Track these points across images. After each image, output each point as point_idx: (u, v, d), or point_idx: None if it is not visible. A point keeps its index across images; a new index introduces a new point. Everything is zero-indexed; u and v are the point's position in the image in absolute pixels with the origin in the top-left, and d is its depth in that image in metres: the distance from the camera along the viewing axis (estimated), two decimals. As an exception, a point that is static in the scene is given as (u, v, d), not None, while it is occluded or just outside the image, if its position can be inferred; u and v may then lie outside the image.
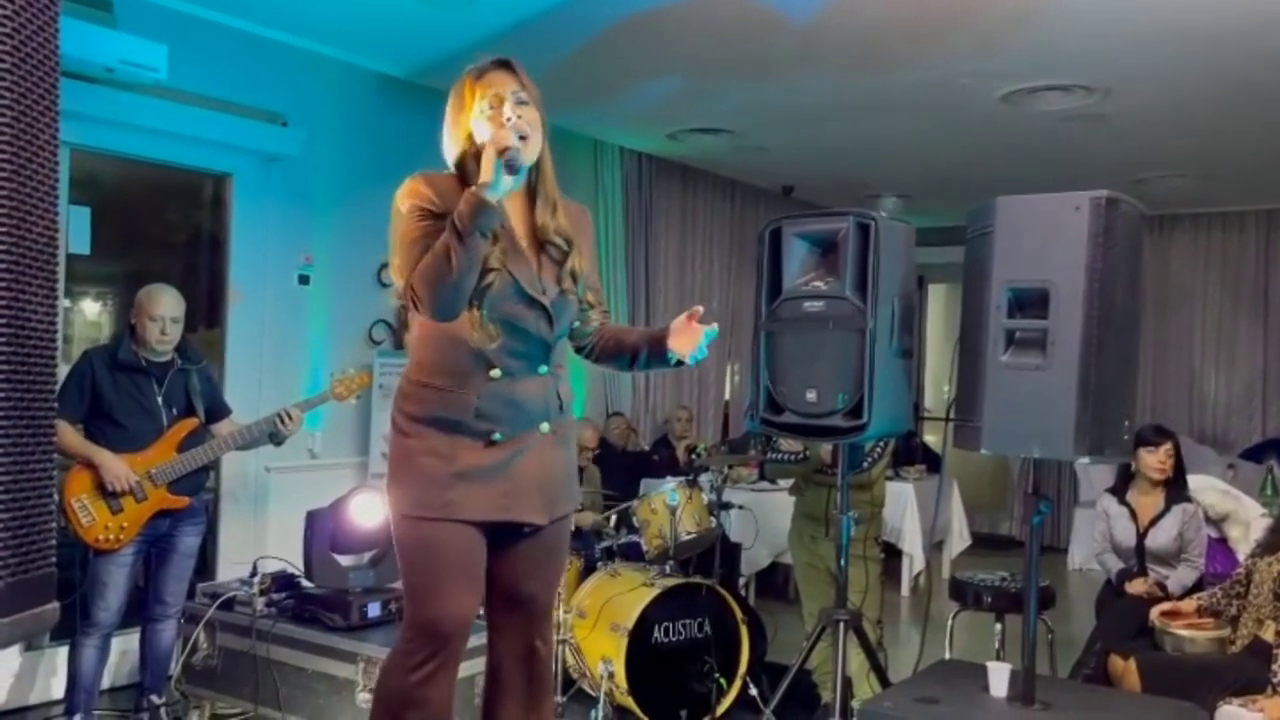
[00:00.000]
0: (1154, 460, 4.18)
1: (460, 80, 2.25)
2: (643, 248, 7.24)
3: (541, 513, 2.28)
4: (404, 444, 2.21)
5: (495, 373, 2.19)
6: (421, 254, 2.07)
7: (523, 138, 2.13)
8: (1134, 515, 4.24)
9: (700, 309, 2.32)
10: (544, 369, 2.27)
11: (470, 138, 2.20)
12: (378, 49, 5.15)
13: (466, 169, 2.19)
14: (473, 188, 2.07)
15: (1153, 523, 4.20)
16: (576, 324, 2.40)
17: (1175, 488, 4.24)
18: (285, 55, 5.01)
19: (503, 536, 2.26)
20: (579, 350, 2.50)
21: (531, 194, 2.28)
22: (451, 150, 2.25)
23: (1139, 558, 4.20)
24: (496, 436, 2.20)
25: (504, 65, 2.23)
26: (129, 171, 4.84)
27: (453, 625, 2.21)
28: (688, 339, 2.30)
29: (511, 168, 2.05)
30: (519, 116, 2.16)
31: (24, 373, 0.91)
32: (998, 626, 4.00)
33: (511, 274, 2.19)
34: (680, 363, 2.34)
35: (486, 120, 2.17)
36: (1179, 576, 4.13)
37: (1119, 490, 4.31)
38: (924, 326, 9.81)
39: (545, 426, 2.28)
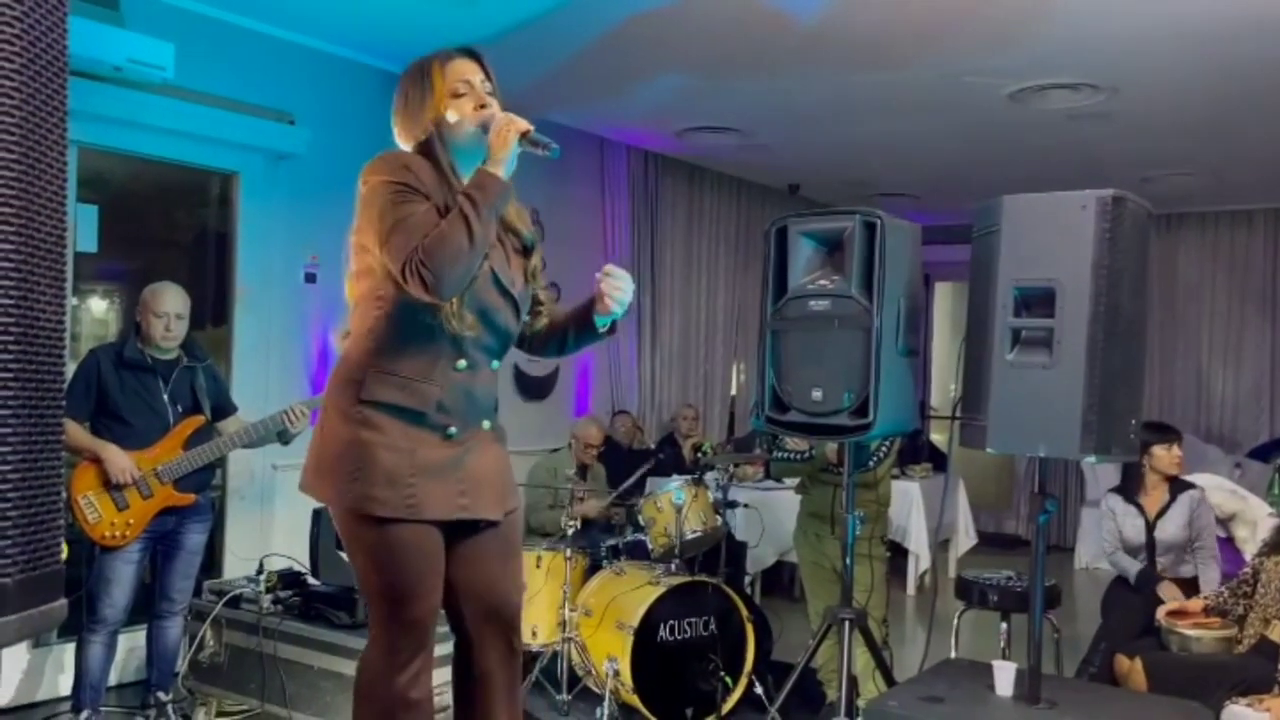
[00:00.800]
0: (1170, 456, 4.19)
1: (424, 65, 2.22)
2: (649, 246, 7.24)
3: (496, 507, 2.27)
4: (355, 434, 2.11)
5: (460, 364, 2.17)
6: (423, 232, 2.02)
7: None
8: (1142, 511, 4.24)
9: (610, 266, 2.28)
10: (496, 364, 2.26)
11: (435, 121, 2.18)
12: (385, 47, 5.15)
13: (433, 151, 2.18)
14: (484, 166, 2.08)
15: (1160, 514, 4.20)
16: (541, 318, 2.41)
17: (1176, 479, 4.25)
18: (292, 54, 5.02)
19: (459, 535, 2.24)
20: (521, 342, 2.46)
21: None
22: (414, 133, 2.21)
23: (1149, 552, 4.20)
24: (452, 431, 2.17)
25: (471, 54, 2.24)
26: (137, 170, 4.85)
27: (432, 620, 2.20)
28: (604, 298, 2.27)
29: (544, 146, 2.10)
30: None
31: (33, 372, 0.91)
32: (1003, 625, 3.99)
33: (490, 263, 2.17)
34: (611, 329, 2.33)
35: (458, 103, 2.17)
36: (1207, 577, 4.11)
37: (1127, 490, 4.31)
38: (930, 325, 9.82)
39: (486, 423, 2.26)
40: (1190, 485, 4.26)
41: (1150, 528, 4.22)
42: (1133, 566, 4.21)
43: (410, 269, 2.00)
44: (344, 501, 2.15)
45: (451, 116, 2.18)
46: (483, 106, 2.18)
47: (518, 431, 5.15)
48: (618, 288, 2.25)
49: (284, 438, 3.88)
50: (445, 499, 2.16)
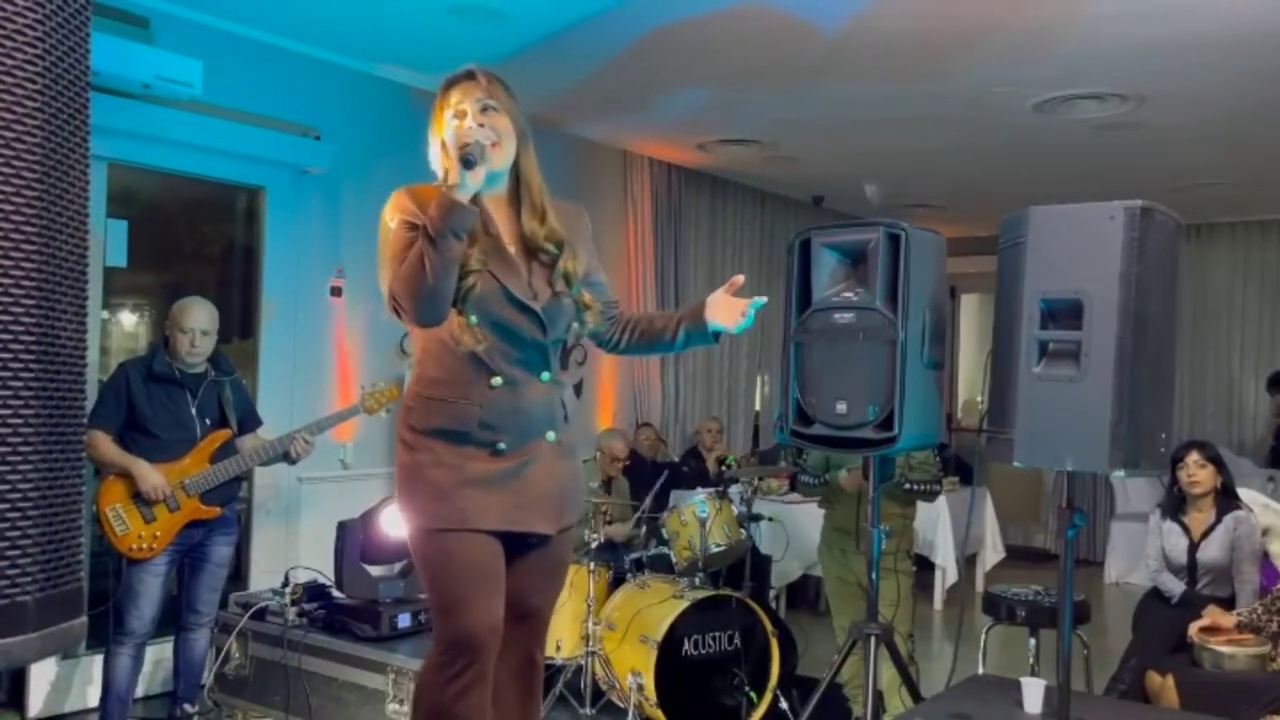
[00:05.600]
0: (1184, 476, 4.11)
1: (442, 84, 2.27)
2: (672, 258, 7.24)
3: (550, 523, 2.29)
4: (411, 458, 2.22)
5: (496, 381, 2.19)
6: (392, 272, 2.12)
7: (494, 144, 2.16)
8: (1187, 531, 4.14)
9: (740, 278, 2.35)
10: (546, 375, 2.27)
11: (445, 148, 2.21)
12: (410, 63, 5.19)
13: (448, 177, 2.20)
14: (445, 194, 2.09)
15: (1204, 536, 4.10)
16: (587, 324, 2.37)
17: (1225, 498, 4.14)
18: (318, 70, 5.07)
19: (512, 547, 2.26)
20: (604, 345, 2.51)
21: (517, 201, 2.28)
22: (432, 162, 2.28)
23: (1190, 573, 4.11)
24: (501, 447, 2.20)
25: (470, 75, 2.25)
26: (165, 185, 4.91)
27: (485, 635, 2.20)
28: (729, 310, 2.35)
29: (466, 163, 2.06)
30: (481, 124, 2.17)
31: (53, 391, 0.92)
32: (1032, 641, 3.95)
33: (497, 278, 2.19)
34: (717, 335, 2.39)
35: (453, 130, 2.19)
36: (1242, 602, 4.00)
37: (1170, 509, 4.21)
38: (957, 337, 9.75)
39: (551, 435, 2.28)
40: (1237, 505, 4.13)
41: (1193, 548, 4.12)
42: (1176, 587, 4.11)
43: (389, 302, 2.13)
44: (410, 522, 2.23)
45: (449, 143, 2.18)
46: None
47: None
48: (743, 315, 2.35)
49: (288, 460, 3.91)
50: (497, 510, 2.20)
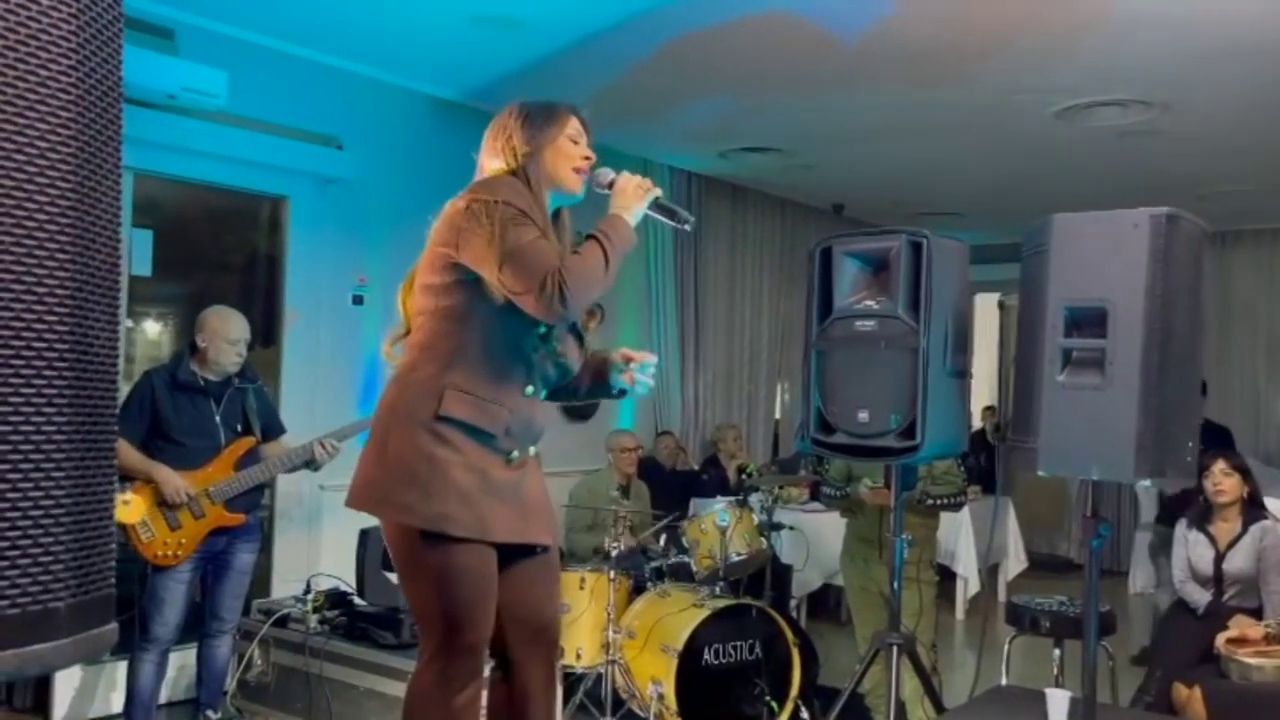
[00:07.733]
0: (1209, 485, 4.07)
1: (555, 103, 2.35)
2: (692, 267, 7.24)
3: (548, 533, 2.34)
4: (433, 450, 2.11)
5: (529, 390, 2.24)
6: (550, 255, 2.10)
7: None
8: (1213, 541, 4.10)
9: (644, 358, 2.41)
10: (544, 393, 2.33)
11: (546, 150, 2.27)
12: (431, 73, 5.22)
13: (529, 176, 2.24)
14: (617, 212, 2.24)
15: (1230, 546, 4.06)
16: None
17: (1252, 507, 4.10)
18: (341, 80, 5.10)
19: (509, 559, 2.26)
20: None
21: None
22: (520, 149, 2.25)
23: (1216, 583, 4.07)
24: (514, 456, 2.23)
25: (585, 121, 2.38)
26: (189, 195, 4.95)
27: (485, 647, 2.24)
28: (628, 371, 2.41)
29: (679, 218, 2.38)
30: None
31: (86, 398, 0.94)
32: (1056, 652, 3.91)
33: None
34: (623, 392, 2.44)
35: (571, 146, 2.30)
36: (1270, 611, 3.96)
37: (1196, 519, 4.17)
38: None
39: (533, 449, 2.33)
40: (1264, 515, 4.08)
41: (1219, 558, 4.08)
42: (1202, 598, 4.07)
43: (550, 284, 2.05)
44: (414, 520, 2.13)
45: (557, 151, 2.28)
46: (587, 158, 2.32)
47: (560, 453, 5.11)
48: (647, 378, 2.40)
49: (313, 467, 3.93)
50: (509, 522, 2.21)
